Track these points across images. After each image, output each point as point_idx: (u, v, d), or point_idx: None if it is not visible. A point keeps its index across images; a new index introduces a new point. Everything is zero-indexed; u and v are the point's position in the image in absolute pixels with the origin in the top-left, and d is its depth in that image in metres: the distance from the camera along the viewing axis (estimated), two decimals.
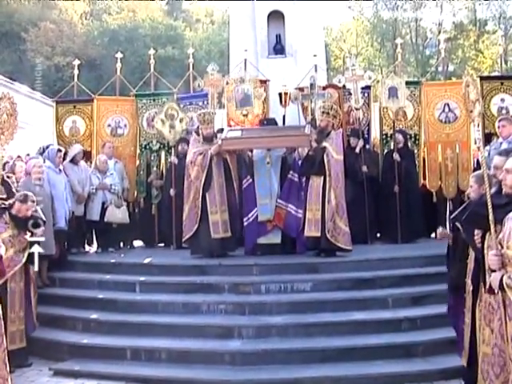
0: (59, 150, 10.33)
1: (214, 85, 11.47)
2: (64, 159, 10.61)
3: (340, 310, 7.84)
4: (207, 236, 9.45)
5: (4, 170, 9.57)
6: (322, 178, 9.13)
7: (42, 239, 7.61)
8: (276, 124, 10.71)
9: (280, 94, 11.32)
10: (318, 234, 9.09)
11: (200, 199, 9.48)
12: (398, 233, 10.67)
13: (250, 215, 9.73)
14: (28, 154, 11.40)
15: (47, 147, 10.89)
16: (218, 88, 11.50)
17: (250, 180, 9.81)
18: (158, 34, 38.44)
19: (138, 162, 12.12)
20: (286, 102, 11.24)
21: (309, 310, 7.89)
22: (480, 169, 6.02)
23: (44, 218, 7.86)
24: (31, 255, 7.42)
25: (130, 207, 11.53)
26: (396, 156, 10.83)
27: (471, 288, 5.85)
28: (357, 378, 6.73)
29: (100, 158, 11.17)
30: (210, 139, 9.75)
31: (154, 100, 12.16)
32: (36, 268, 6.97)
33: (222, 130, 10.82)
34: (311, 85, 11.18)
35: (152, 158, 12.02)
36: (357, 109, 11.30)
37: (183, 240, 9.80)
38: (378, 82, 11.92)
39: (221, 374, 6.91)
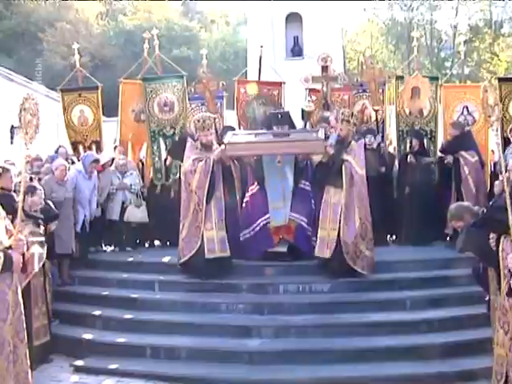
0: (95, 161, 10.27)
1: (206, 87, 11.36)
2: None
3: (358, 312, 7.87)
4: (201, 256, 8.47)
5: (31, 169, 9.78)
6: (342, 193, 8.35)
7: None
8: (290, 119, 9.49)
9: (302, 111, 11.12)
10: (329, 256, 8.36)
11: (203, 211, 8.46)
12: (414, 235, 10.65)
13: (255, 224, 8.85)
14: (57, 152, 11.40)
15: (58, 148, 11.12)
16: (213, 89, 11.42)
17: (258, 187, 9.04)
18: (173, 35, 38.56)
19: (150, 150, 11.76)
20: (308, 118, 10.91)
21: (327, 310, 7.93)
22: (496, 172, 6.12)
23: (57, 212, 7.94)
24: (49, 251, 7.51)
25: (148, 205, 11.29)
26: (411, 159, 10.78)
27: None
28: (374, 378, 6.76)
29: (119, 161, 11.24)
30: (210, 147, 8.80)
31: (164, 84, 11.66)
32: (36, 268, 7.03)
33: (230, 128, 10.76)
34: (323, 67, 11.07)
35: (167, 143, 11.59)
36: (376, 110, 11.27)
37: (180, 262, 8.73)
38: (396, 78, 11.76)
39: (239, 373, 6.96)
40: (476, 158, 10.40)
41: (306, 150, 8.86)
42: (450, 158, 10.63)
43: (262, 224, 8.83)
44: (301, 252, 8.90)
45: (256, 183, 9.04)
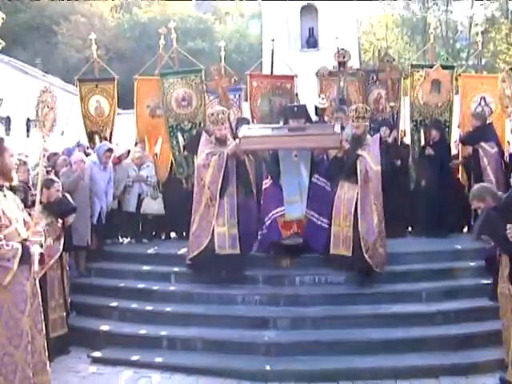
0: (109, 150, 10.26)
1: (219, 84, 11.29)
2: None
3: (373, 303, 7.89)
4: (211, 252, 8.38)
5: (49, 162, 9.85)
6: (356, 189, 8.22)
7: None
8: (307, 112, 9.27)
9: (316, 108, 10.90)
10: (349, 253, 8.21)
11: (216, 206, 8.39)
12: (430, 227, 10.61)
13: (270, 215, 8.66)
14: (76, 146, 11.47)
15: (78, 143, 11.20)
16: (226, 86, 11.35)
17: (271, 181, 8.82)
18: (188, 27, 38.51)
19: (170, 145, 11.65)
20: (322, 115, 10.68)
21: (343, 302, 7.95)
22: None
23: (74, 205, 8.00)
24: (67, 243, 7.58)
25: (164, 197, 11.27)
26: (429, 151, 10.71)
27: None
28: (390, 370, 6.78)
29: (135, 154, 11.29)
30: (224, 141, 8.69)
31: (181, 78, 11.53)
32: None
33: (244, 120, 10.74)
34: (340, 63, 11.00)
35: (185, 137, 11.49)
36: (392, 106, 11.21)
37: (189, 257, 8.63)
38: (412, 66, 11.67)
39: (256, 364, 7.02)
40: (495, 149, 10.34)
41: (322, 144, 8.62)
42: (469, 149, 10.59)
43: (272, 217, 8.62)
44: (311, 247, 8.72)
45: (269, 178, 8.83)
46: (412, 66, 11.87)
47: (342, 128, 9.32)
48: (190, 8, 41.11)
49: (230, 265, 8.42)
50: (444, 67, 11.84)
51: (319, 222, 8.60)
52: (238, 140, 8.52)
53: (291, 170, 8.68)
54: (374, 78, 11.45)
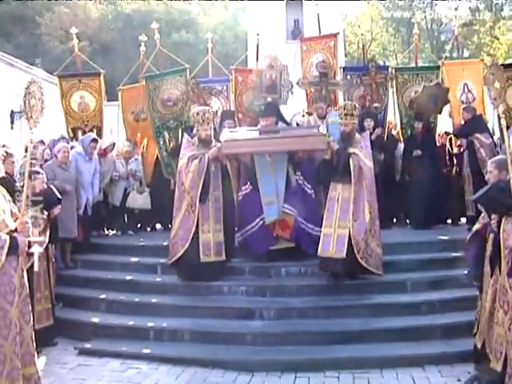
0: (94, 140, 10.31)
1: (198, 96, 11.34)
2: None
3: (359, 293, 7.95)
4: (195, 259, 8.13)
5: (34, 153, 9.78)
6: (350, 188, 7.92)
7: (40, 239, 7.61)
8: (277, 109, 8.99)
9: (297, 124, 10.85)
10: (343, 255, 7.84)
11: (196, 212, 8.08)
12: (416, 218, 10.69)
13: (250, 226, 8.45)
14: (61, 138, 11.42)
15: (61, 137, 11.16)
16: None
17: (251, 187, 8.56)
18: (172, 19, 38.34)
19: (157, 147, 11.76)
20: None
21: (328, 292, 8.01)
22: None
23: (60, 196, 7.97)
24: (52, 234, 7.55)
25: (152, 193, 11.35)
26: (416, 152, 10.69)
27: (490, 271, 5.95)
28: (376, 359, 6.83)
29: (124, 148, 11.29)
30: (208, 142, 8.38)
31: (166, 80, 11.62)
32: (36, 268, 7.03)
33: (230, 112, 10.73)
34: (322, 73, 11.01)
35: (171, 135, 11.51)
36: (376, 107, 11.24)
37: (169, 262, 8.38)
38: (396, 70, 11.74)
39: (242, 354, 7.04)
40: (490, 139, 10.41)
41: (309, 146, 8.34)
42: (463, 142, 10.65)
43: (261, 223, 8.38)
44: (302, 249, 8.51)
45: (249, 183, 8.57)
46: (396, 69, 11.91)
47: (324, 117, 9.32)
48: None
49: (213, 271, 8.21)
50: (429, 68, 11.93)
51: (305, 226, 8.42)
52: (219, 144, 8.25)
53: (267, 171, 8.45)
54: (358, 81, 11.47)
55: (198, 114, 8.36)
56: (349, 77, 11.69)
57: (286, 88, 10.69)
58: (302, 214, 8.39)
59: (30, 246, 5.22)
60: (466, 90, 11.39)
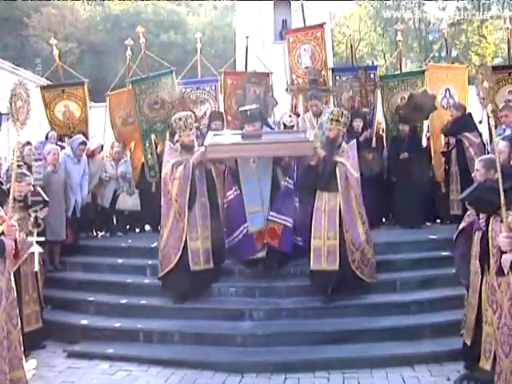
0: (83, 143, 10.28)
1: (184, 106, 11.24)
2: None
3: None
4: (186, 269, 7.87)
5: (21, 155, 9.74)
6: (337, 197, 7.69)
7: (41, 239, 7.60)
8: (262, 115, 8.78)
9: (284, 125, 10.97)
10: (336, 267, 7.63)
11: (185, 220, 7.82)
12: (404, 217, 10.72)
13: (237, 233, 8.13)
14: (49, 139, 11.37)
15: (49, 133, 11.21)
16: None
17: (237, 192, 8.20)
18: (161, 20, 38.38)
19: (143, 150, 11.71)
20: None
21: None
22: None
23: (46, 198, 7.93)
24: (31, 247, 7.49)
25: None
26: (403, 155, 10.66)
27: (479, 269, 5.97)
28: (366, 359, 6.84)
29: (114, 148, 11.29)
30: (191, 148, 8.11)
31: (153, 83, 11.55)
32: (36, 268, 6.97)
33: (218, 114, 10.68)
34: (312, 80, 11.00)
35: (158, 137, 11.50)
36: (365, 112, 11.22)
37: (159, 275, 8.10)
38: (381, 78, 11.75)
39: (232, 356, 7.03)
40: (479, 139, 10.42)
41: (295, 152, 8.06)
42: (452, 140, 10.65)
43: (245, 231, 8.06)
44: (286, 256, 8.24)
45: (234, 188, 8.23)
46: (381, 77, 11.90)
47: (319, 115, 9.25)
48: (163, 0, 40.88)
49: (204, 280, 7.99)
50: (414, 73, 11.93)
51: (290, 232, 8.09)
52: (203, 148, 7.97)
53: (251, 177, 8.09)
54: (348, 87, 11.47)
55: (180, 119, 8.08)
56: (338, 77, 11.66)
57: (270, 104, 10.87)
58: (289, 217, 8.05)
59: (17, 249, 5.19)
60: (448, 95, 11.32)
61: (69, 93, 11.90)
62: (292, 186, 8.21)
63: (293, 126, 10.54)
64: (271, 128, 9.12)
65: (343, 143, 8.02)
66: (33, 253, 7.34)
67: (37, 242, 7.23)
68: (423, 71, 11.88)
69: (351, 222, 7.72)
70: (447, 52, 13.17)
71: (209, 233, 8.00)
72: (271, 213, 7.98)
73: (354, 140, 8.35)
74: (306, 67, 11.34)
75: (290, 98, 11.53)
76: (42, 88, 12.12)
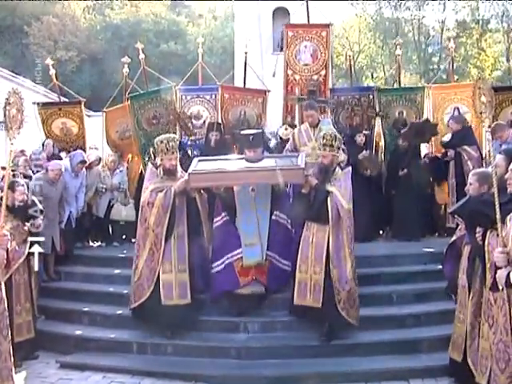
0: (83, 162, 10.33)
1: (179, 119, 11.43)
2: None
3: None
4: (157, 302, 7.44)
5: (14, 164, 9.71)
6: (326, 229, 7.20)
7: (41, 238, 7.57)
8: (264, 140, 8.46)
9: (281, 138, 11.08)
10: (319, 305, 7.16)
11: (161, 251, 7.40)
12: (403, 230, 10.67)
13: (218, 262, 7.61)
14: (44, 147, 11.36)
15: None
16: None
17: (226, 218, 7.73)
18: (161, 29, 38.43)
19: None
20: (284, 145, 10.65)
21: None
22: None
23: (41, 208, 7.87)
24: (32, 247, 7.46)
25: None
26: (403, 173, 10.64)
27: (466, 284, 5.95)
28: (362, 373, 6.79)
29: (109, 157, 11.33)
30: (173, 173, 7.70)
31: (151, 99, 11.63)
32: (36, 268, 6.93)
33: (217, 124, 10.65)
34: (311, 91, 10.96)
35: None
36: (365, 134, 11.13)
37: (130, 307, 7.70)
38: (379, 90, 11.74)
39: (226, 369, 6.98)
40: (478, 153, 10.40)
41: (283, 179, 7.48)
42: (451, 153, 10.62)
43: (227, 262, 7.57)
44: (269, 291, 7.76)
45: (221, 215, 7.74)
46: (379, 90, 11.89)
47: (316, 126, 9.08)
48: (164, 10, 40.96)
49: (179, 316, 7.49)
50: (412, 89, 12.03)
51: (280, 265, 7.66)
52: (186, 176, 7.53)
53: (248, 207, 7.65)
54: (349, 109, 11.46)
55: (161, 142, 7.63)
56: (336, 97, 11.67)
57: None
58: (282, 254, 7.64)
59: (8, 258, 5.14)
60: (457, 114, 11.15)
61: (66, 111, 12.02)
62: (282, 220, 7.71)
63: (288, 140, 10.39)
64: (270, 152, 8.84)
65: (337, 169, 7.56)
66: (28, 259, 7.38)
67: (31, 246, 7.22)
68: (422, 88, 11.89)
69: (339, 259, 7.16)
70: (452, 69, 13.13)
71: (185, 266, 7.50)
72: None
73: (349, 168, 7.84)
74: (306, 64, 11.31)
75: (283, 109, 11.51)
76: (39, 105, 12.10)
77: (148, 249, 7.50)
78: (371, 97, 11.56)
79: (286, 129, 10.92)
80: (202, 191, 7.85)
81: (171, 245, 7.47)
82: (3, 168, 9.76)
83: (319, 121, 9.47)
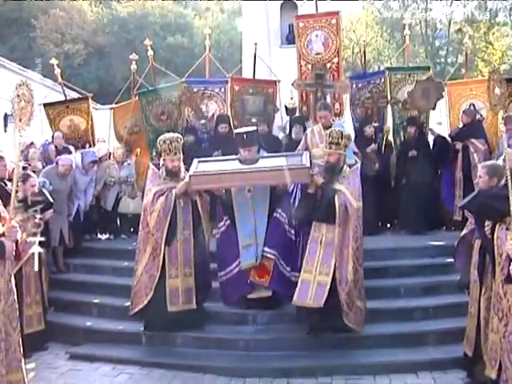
0: (93, 162, 10.40)
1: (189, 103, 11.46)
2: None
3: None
4: (162, 308, 7.25)
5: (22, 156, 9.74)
6: (335, 230, 6.96)
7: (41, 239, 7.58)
8: (258, 138, 8.04)
9: (286, 108, 11.25)
10: (321, 304, 6.86)
11: (161, 257, 7.23)
12: (410, 224, 10.66)
13: (230, 267, 7.47)
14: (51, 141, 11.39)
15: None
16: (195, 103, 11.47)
17: (228, 222, 7.54)
18: (168, 22, 38.34)
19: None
20: (292, 115, 11.01)
21: None
22: None
23: (51, 200, 7.90)
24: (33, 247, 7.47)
25: None
26: (412, 153, 10.65)
27: (477, 279, 5.95)
28: (369, 365, 6.80)
29: (118, 150, 11.40)
30: (176, 174, 7.49)
31: (159, 95, 11.61)
32: (36, 268, 6.91)
33: (225, 117, 10.68)
34: (318, 75, 10.96)
35: None
36: (375, 127, 11.15)
37: (130, 313, 7.55)
38: (393, 73, 11.73)
39: (235, 360, 7.01)
40: (486, 146, 10.40)
41: (289, 180, 7.29)
42: (458, 145, 10.62)
43: (237, 268, 7.43)
44: (282, 296, 7.54)
45: (225, 218, 7.56)
46: (389, 69, 11.86)
47: (329, 127, 8.46)
48: (170, 3, 40.89)
49: (184, 323, 7.37)
50: (420, 68, 11.90)
51: (286, 272, 7.39)
52: (187, 178, 7.31)
53: (246, 207, 7.45)
54: (360, 99, 11.54)
55: (164, 142, 7.41)
56: (354, 86, 11.71)
57: (272, 112, 10.98)
58: (283, 256, 7.38)
59: (18, 250, 5.15)
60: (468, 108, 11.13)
61: (73, 108, 12.01)
62: (283, 219, 7.43)
63: (295, 109, 10.61)
64: (267, 151, 8.73)
65: (345, 167, 7.30)
66: (33, 253, 7.36)
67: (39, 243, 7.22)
68: (428, 67, 12.12)
69: (343, 259, 6.93)
70: (466, 67, 13.08)
71: (192, 270, 7.36)
72: (264, 248, 7.30)
73: (358, 165, 7.75)
74: (318, 53, 11.32)
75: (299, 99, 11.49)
76: (46, 106, 12.02)
77: (149, 254, 7.36)
78: (383, 80, 11.57)
79: (291, 98, 11.02)
80: (203, 193, 7.62)
81: (177, 249, 7.33)
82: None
83: (332, 123, 9.19)
